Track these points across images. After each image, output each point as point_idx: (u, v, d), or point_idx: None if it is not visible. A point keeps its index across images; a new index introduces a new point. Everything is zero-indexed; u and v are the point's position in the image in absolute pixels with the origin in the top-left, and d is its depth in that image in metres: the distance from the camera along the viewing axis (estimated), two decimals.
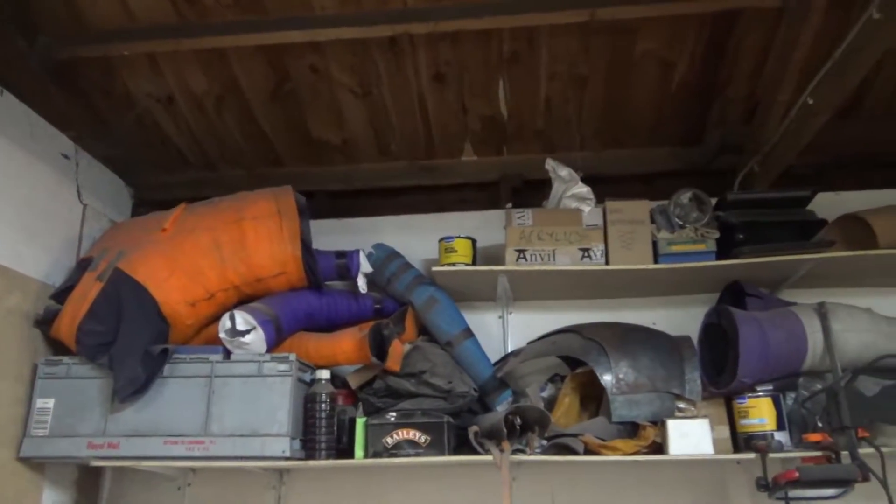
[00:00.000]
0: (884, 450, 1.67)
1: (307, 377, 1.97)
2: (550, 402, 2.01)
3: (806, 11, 1.91)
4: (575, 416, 1.98)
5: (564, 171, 2.22)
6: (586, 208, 2.16)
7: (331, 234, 2.37)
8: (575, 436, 1.84)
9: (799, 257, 1.96)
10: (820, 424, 1.74)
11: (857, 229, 2.08)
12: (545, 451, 1.86)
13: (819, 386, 1.81)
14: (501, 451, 1.77)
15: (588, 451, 1.82)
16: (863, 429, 1.68)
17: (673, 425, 1.79)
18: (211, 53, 2.18)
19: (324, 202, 2.61)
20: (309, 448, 1.89)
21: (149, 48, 2.14)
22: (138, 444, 1.84)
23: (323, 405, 1.91)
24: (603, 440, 1.82)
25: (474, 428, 1.82)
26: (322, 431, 1.89)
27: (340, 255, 2.17)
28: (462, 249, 2.17)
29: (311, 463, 1.86)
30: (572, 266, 2.07)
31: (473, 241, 2.20)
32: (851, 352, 1.80)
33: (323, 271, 2.12)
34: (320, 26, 2.06)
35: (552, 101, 2.35)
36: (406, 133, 2.47)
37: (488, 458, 1.78)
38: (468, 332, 2.13)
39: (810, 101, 1.93)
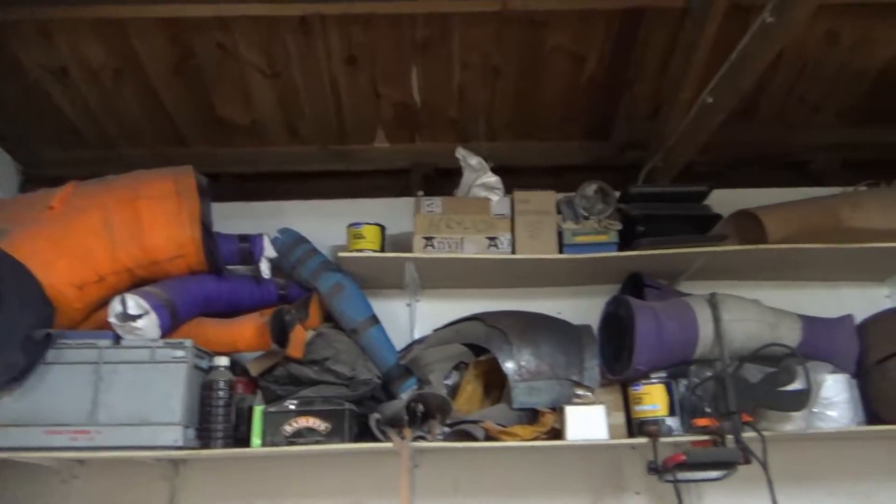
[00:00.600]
0: (765, 434, 1.75)
1: (204, 364, 1.90)
2: (454, 390, 2.02)
3: (707, 13, 1.98)
4: (478, 403, 1.99)
5: (475, 160, 2.23)
6: (495, 198, 2.17)
7: (236, 219, 2.29)
8: (475, 422, 1.85)
9: (695, 250, 2.03)
10: (708, 410, 1.81)
11: (749, 225, 2.18)
12: (446, 438, 1.87)
13: (709, 373, 1.89)
14: (402, 438, 1.77)
15: (488, 438, 1.84)
16: (747, 414, 1.76)
17: (571, 411, 1.83)
18: (108, 24, 2.07)
19: (229, 185, 2.52)
20: (204, 437, 1.83)
21: (40, 15, 2.01)
22: (16, 435, 1.73)
23: (220, 393, 1.85)
24: (503, 426, 1.84)
25: (375, 415, 1.81)
26: (219, 420, 1.84)
27: (244, 238, 2.11)
28: (370, 236, 2.15)
29: (205, 452, 1.80)
30: (480, 255, 2.08)
31: (382, 228, 2.18)
32: (739, 341, 1.89)
33: (224, 255, 2.05)
34: (227, 1, 1.99)
35: (465, 90, 2.35)
36: (317, 116, 2.42)
37: (389, 445, 1.77)
38: (374, 320, 2.11)
39: (710, 101, 2.00)
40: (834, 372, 1.93)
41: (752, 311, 1.94)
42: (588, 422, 1.82)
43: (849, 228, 2.10)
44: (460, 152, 2.25)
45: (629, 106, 2.44)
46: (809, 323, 2.00)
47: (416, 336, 2.27)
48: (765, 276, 2.29)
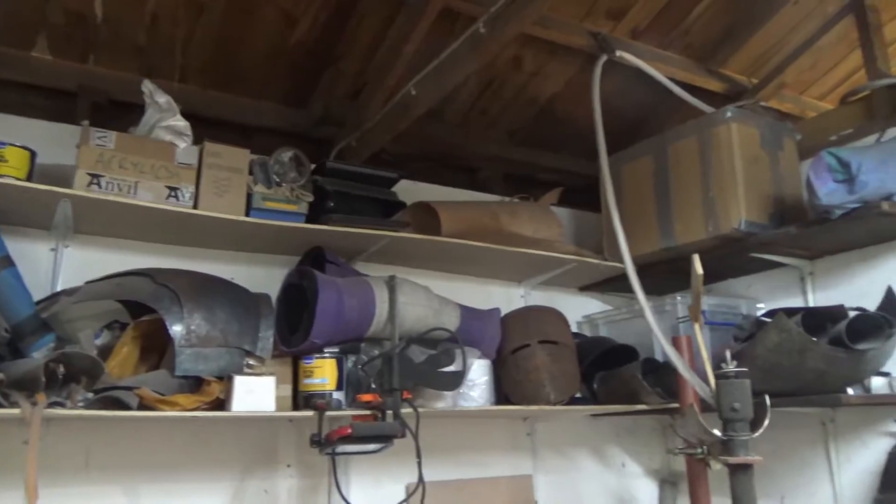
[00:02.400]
0: (420, 410, 1.89)
1: None
2: (105, 351, 1.77)
3: (422, 9, 2.06)
4: (132, 367, 1.78)
5: (163, 99, 1.99)
6: (182, 144, 1.96)
7: None
8: (130, 389, 1.65)
9: (380, 232, 2.10)
10: (374, 386, 1.88)
11: (427, 217, 2.33)
12: (91, 406, 1.62)
13: (377, 351, 1.96)
14: (34, 404, 1.49)
15: (143, 406, 1.65)
16: (408, 391, 1.87)
17: (240, 381, 1.74)
18: None
19: None
20: None
21: None
22: None
23: None
24: (162, 394, 1.67)
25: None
26: None
27: None
28: (15, 160, 1.77)
29: None
30: (155, 204, 1.85)
31: (32, 154, 1.81)
32: (409, 322, 2.00)
33: None
34: None
35: (160, 18, 2.09)
36: None
37: (15, 412, 1.48)
38: (7, 261, 1.75)
39: (413, 93, 2.09)
40: (480, 357, 2.17)
41: (422, 296, 2.08)
42: (256, 393, 1.75)
43: (507, 233, 2.38)
44: (147, 86, 1.99)
45: (333, 80, 2.43)
46: (466, 312, 2.21)
47: (60, 287, 1.93)
48: (433, 266, 2.47)
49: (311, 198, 2.06)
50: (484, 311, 2.28)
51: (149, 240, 2.09)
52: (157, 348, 1.84)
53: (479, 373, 2.16)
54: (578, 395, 2.41)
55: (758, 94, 2.73)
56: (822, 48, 2.68)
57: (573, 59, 2.54)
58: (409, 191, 2.44)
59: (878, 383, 2.14)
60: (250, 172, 2.02)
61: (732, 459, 1.61)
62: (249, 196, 1.99)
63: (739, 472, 1.62)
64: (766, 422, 1.64)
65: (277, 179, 2.02)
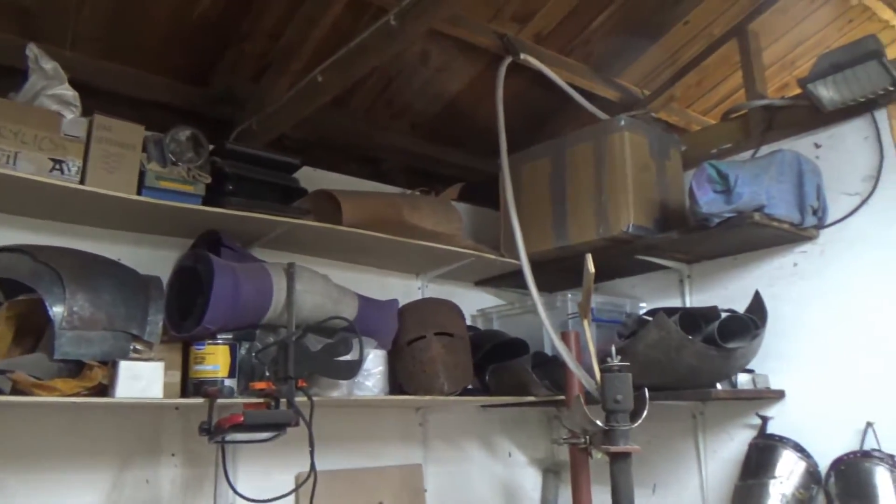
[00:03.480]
0: (315, 399, 1.88)
1: None
2: None
3: None
4: (6, 349, 1.66)
5: (50, 66, 1.86)
6: (69, 115, 1.85)
7: None
8: (3, 372, 1.54)
9: (280, 219, 2.06)
10: (267, 374, 1.85)
11: (328, 205, 2.31)
12: None
13: (272, 339, 1.93)
14: None
15: (17, 391, 1.55)
16: (303, 380, 1.85)
17: (125, 367, 1.67)
18: None
19: None
20: None
21: None
22: None
23: None
24: (39, 379, 1.58)
25: None
26: None
27: None
28: None
29: None
30: (37, 177, 1.74)
31: None
32: (306, 310, 1.98)
33: None
34: None
35: None
36: None
37: None
38: None
39: (320, 79, 2.07)
40: (377, 347, 2.18)
41: (320, 284, 2.06)
42: (143, 379, 1.68)
43: (408, 225, 2.40)
44: (33, 50, 1.86)
45: (235, 60, 2.36)
46: (364, 302, 2.21)
47: None
48: (332, 255, 2.46)
49: (208, 179, 1.99)
50: (382, 302, 2.29)
51: (29, 215, 1.95)
52: (33, 330, 1.73)
53: (374, 363, 2.17)
54: (471, 386, 2.47)
55: (649, 105, 2.88)
56: (707, 67, 2.87)
57: (479, 58, 2.59)
58: (311, 178, 2.41)
59: (743, 379, 2.33)
60: (144, 149, 1.94)
61: (613, 448, 1.70)
62: (142, 174, 1.90)
63: (619, 460, 1.72)
64: (645, 413, 1.74)
65: (173, 158, 1.95)
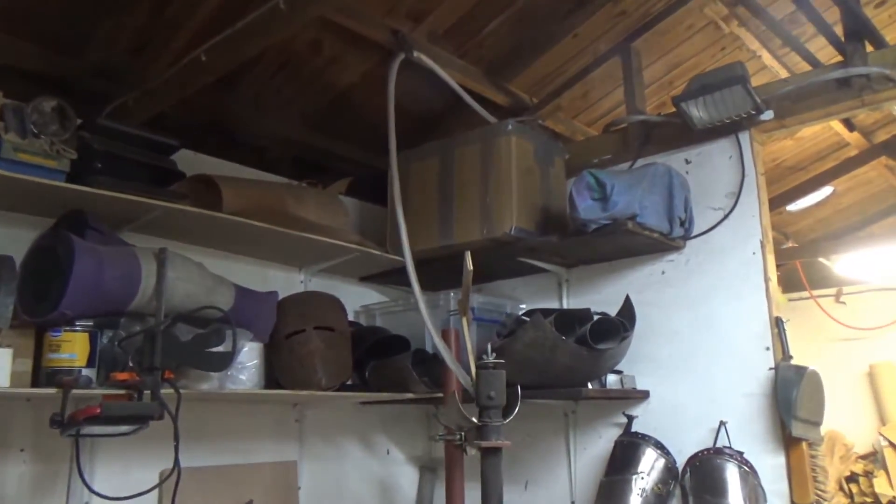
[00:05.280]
0: (182, 391, 1.79)
1: None
2: None
3: None
4: None
5: None
6: None
7: None
8: None
9: (153, 201, 1.95)
10: (131, 364, 1.75)
11: (207, 191, 2.22)
12: None
13: (139, 328, 1.83)
14: None
15: None
16: (171, 371, 1.77)
17: None
18: None
19: None
20: None
21: None
22: None
23: None
24: None
25: None
26: None
27: None
28: None
29: None
30: None
31: None
32: (178, 298, 1.89)
33: None
34: None
35: None
36: None
37: None
38: None
39: (203, 59, 1.99)
40: (252, 340, 2.11)
41: (195, 272, 1.97)
42: None
43: (292, 216, 2.34)
44: None
45: (113, 32, 2.22)
46: (241, 292, 2.13)
47: None
48: (210, 244, 2.35)
49: (73, 155, 1.86)
50: (260, 294, 2.23)
51: None
52: None
53: (249, 356, 2.10)
54: (350, 382, 2.45)
55: (537, 112, 2.97)
56: (593, 80, 2.99)
57: (372, 53, 2.57)
58: (191, 163, 2.31)
59: (612, 379, 2.44)
60: (1, 118, 1.78)
61: (485, 443, 1.73)
62: None
63: (490, 455, 1.75)
64: (517, 409, 1.79)
65: (35, 130, 1.80)
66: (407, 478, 2.93)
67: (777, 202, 4.64)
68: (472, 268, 1.75)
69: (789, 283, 5.21)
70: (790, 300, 5.14)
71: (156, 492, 2.00)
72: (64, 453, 1.94)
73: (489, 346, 1.82)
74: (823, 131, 4.18)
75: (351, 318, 2.79)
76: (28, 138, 1.79)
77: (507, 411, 1.78)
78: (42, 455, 1.95)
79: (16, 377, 1.64)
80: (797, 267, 5.18)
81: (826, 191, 4.90)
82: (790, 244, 5.40)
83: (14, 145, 1.77)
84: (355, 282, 2.92)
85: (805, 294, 5.18)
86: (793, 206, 4.97)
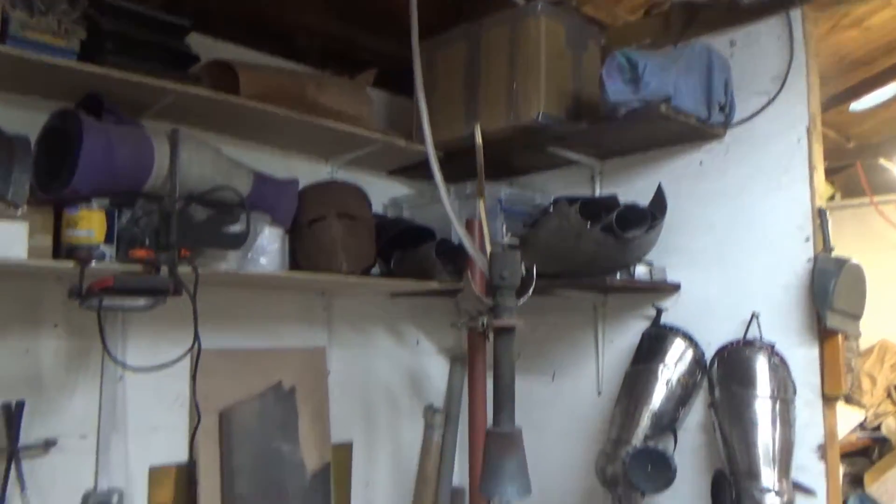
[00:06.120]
0: (199, 270, 1.82)
1: None
2: None
3: None
4: None
5: None
6: None
7: None
8: None
9: (168, 85, 1.92)
10: (148, 243, 1.77)
11: (225, 77, 2.18)
12: None
13: (155, 208, 1.84)
14: None
15: None
16: (186, 249, 1.79)
17: None
18: None
19: None
20: None
21: None
22: None
23: None
24: None
25: None
26: None
27: None
28: None
29: None
30: None
31: None
32: (192, 180, 1.89)
33: None
34: None
35: None
36: None
37: None
38: None
39: None
40: (272, 224, 2.11)
41: (210, 155, 1.97)
42: (5, 240, 1.59)
43: (312, 102, 2.29)
44: None
45: None
46: (260, 178, 2.13)
47: None
48: (229, 131, 2.33)
49: (83, 35, 1.83)
50: (280, 180, 2.22)
51: None
52: None
53: (270, 240, 2.11)
54: (374, 271, 2.45)
55: None
56: None
57: None
58: (208, 48, 2.27)
59: (640, 270, 2.37)
60: None
61: (496, 322, 1.71)
62: (5, 21, 1.73)
63: (502, 334, 1.73)
64: (531, 291, 1.75)
65: (42, 7, 1.78)
66: (437, 368, 2.96)
67: (839, 99, 4.33)
68: (481, 142, 1.68)
69: (848, 189, 4.94)
70: (849, 206, 4.89)
71: (187, 370, 2.07)
72: (95, 329, 2.01)
73: (503, 228, 1.77)
74: (894, 20, 3.82)
75: (379, 211, 2.78)
76: (36, 16, 1.77)
77: (520, 292, 1.74)
78: (75, 330, 2.03)
79: (36, 251, 1.68)
80: (858, 171, 4.89)
81: (895, 87, 4.54)
82: (851, 146, 5.07)
83: (22, 23, 1.75)
84: (384, 175, 2.88)
85: (866, 200, 4.91)
86: (857, 105, 4.63)
